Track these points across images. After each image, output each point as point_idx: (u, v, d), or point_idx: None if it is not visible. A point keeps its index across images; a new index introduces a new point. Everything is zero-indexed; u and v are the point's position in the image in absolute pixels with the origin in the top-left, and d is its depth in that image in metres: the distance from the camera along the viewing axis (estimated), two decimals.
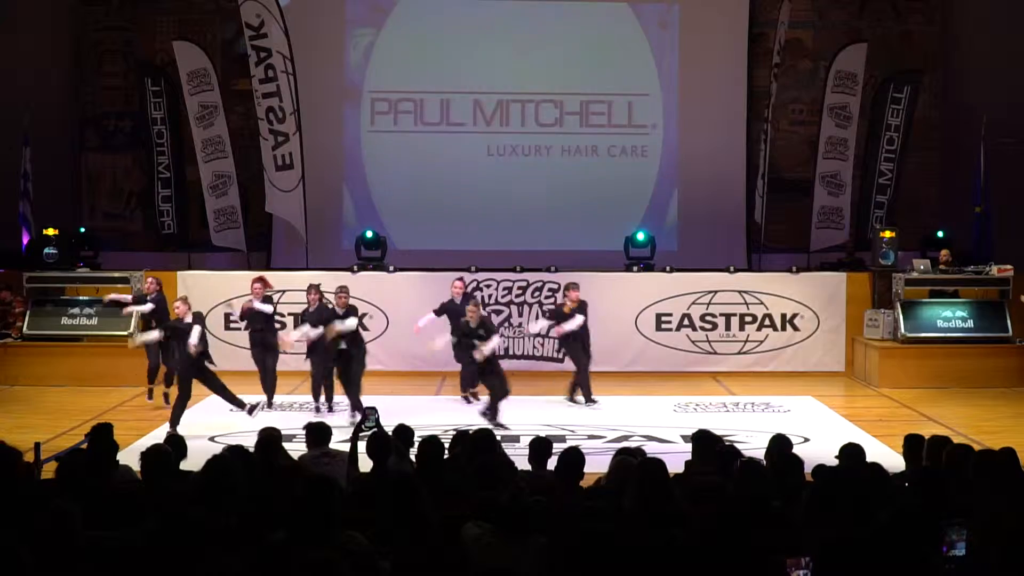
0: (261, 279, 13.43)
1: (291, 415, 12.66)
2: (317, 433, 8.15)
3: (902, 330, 15.05)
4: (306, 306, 13.17)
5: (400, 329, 14.80)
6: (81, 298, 15.43)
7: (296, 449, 8.88)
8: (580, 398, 13.41)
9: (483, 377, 12.32)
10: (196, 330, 11.78)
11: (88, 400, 13.51)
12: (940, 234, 16.76)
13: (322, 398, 12.97)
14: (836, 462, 7.17)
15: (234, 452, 7.07)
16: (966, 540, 4.84)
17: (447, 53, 18.28)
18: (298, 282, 15.82)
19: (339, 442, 8.58)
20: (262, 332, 13.26)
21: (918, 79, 18.08)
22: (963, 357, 14.84)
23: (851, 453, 7.05)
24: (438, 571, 4.32)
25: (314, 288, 13.04)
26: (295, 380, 14.32)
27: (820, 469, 6.96)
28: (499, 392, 12.12)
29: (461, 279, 14.00)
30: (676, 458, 8.11)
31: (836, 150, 17.65)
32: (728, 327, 15.89)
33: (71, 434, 11.15)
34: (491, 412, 12.08)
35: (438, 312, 13.57)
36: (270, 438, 7.84)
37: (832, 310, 15.94)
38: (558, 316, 13.39)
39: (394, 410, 12.63)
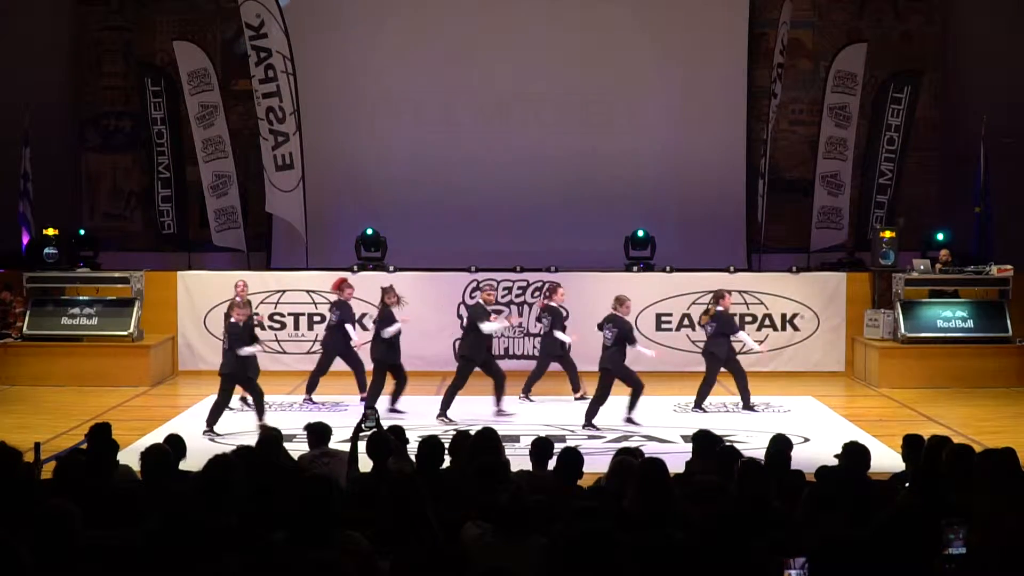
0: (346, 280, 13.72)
1: (290, 415, 12.65)
2: (318, 433, 8.17)
3: (902, 330, 15.05)
4: (387, 306, 12.96)
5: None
6: (81, 298, 15.43)
7: (296, 449, 8.90)
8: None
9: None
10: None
11: (88, 400, 13.51)
12: (940, 234, 16.77)
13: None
14: (836, 462, 7.17)
15: (237, 452, 7.08)
16: (964, 540, 4.84)
17: (447, 53, 18.26)
18: (298, 282, 15.86)
19: (339, 442, 8.59)
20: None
21: (918, 79, 18.07)
22: (963, 357, 14.84)
23: (853, 452, 7.03)
24: (438, 571, 4.32)
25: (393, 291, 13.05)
26: (295, 380, 14.34)
27: (823, 471, 6.96)
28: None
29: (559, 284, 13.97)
30: (676, 458, 8.12)
31: (836, 150, 17.64)
32: None
33: (71, 434, 11.16)
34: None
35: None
36: (271, 438, 7.86)
37: (832, 310, 15.94)
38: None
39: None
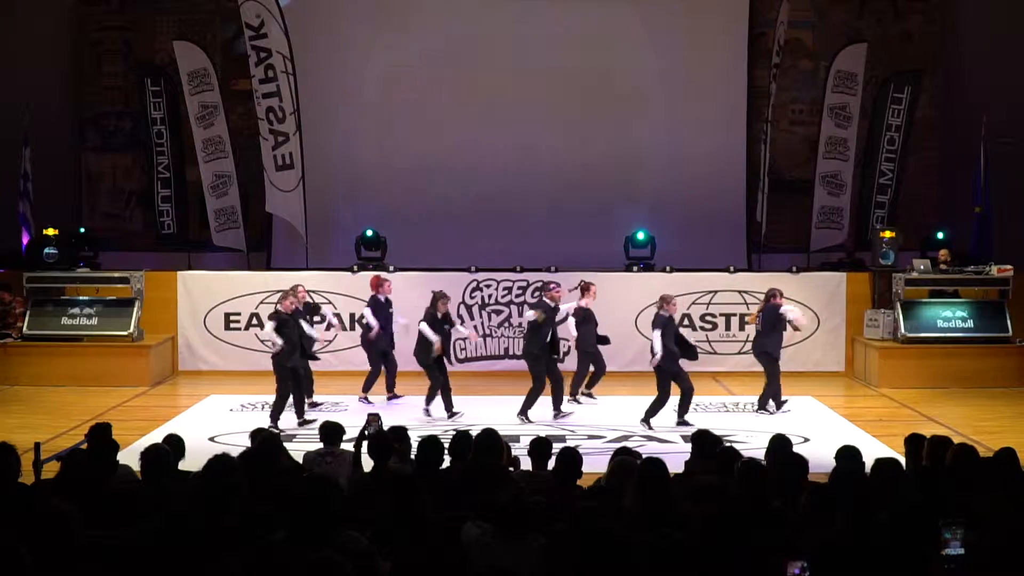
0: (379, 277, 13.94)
1: (290, 415, 12.63)
2: (330, 432, 8.20)
3: (902, 330, 15.05)
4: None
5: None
6: (81, 298, 15.43)
7: (295, 449, 8.91)
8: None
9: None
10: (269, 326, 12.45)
11: (88, 400, 13.51)
12: (940, 234, 16.76)
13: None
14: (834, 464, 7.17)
15: (240, 452, 7.10)
16: (962, 540, 4.85)
17: (447, 53, 18.25)
18: (298, 282, 15.81)
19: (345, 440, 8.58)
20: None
21: (918, 79, 18.07)
22: (963, 357, 14.85)
23: (848, 455, 7.03)
24: (438, 571, 4.32)
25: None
26: None
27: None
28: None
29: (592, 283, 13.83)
30: (676, 458, 8.12)
31: (836, 150, 17.64)
32: (728, 327, 15.90)
33: (71, 434, 11.16)
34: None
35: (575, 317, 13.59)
36: (272, 438, 7.87)
37: (832, 310, 15.94)
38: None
39: (396, 410, 12.71)
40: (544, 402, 12.90)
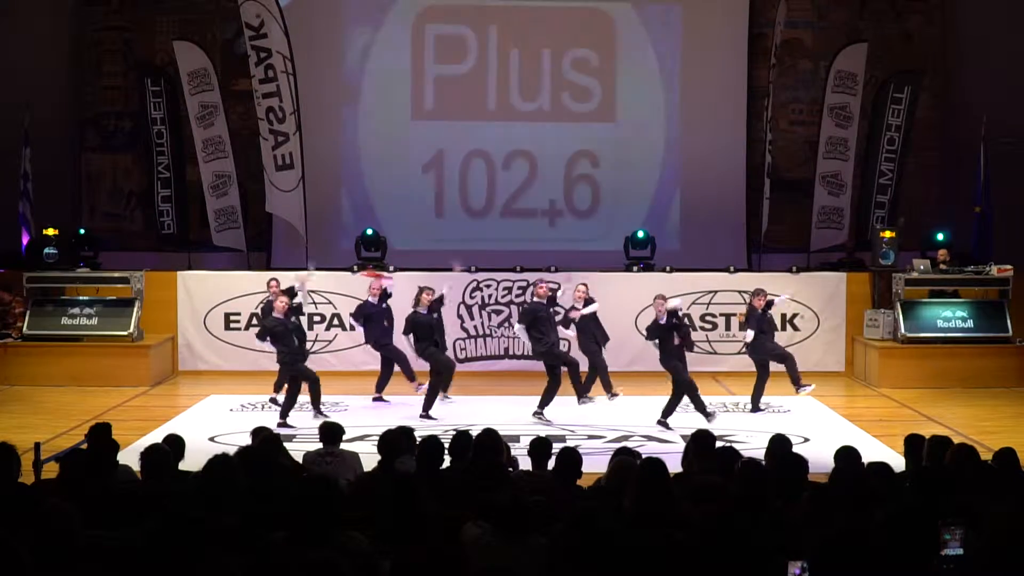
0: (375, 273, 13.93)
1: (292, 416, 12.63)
2: (330, 432, 8.21)
3: (902, 330, 15.06)
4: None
5: (400, 329, 14.75)
6: (81, 298, 15.44)
7: (295, 449, 8.90)
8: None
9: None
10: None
11: (88, 400, 13.51)
12: (940, 235, 16.77)
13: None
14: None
15: (238, 452, 7.10)
16: (961, 540, 4.84)
17: (447, 52, 18.24)
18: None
19: (348, 440, 8.57)
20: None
21: (918, 79, 18.06)
22: (963, 357, 14.86)
23: (847, 455, 7.04)
24: (438, 571, 4.32)
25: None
26: None
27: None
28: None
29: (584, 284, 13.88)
30: (676, 458, 8.11)
31: (836, 150, 17.64)
32: (728, 327, 15.90)
33: (71, 434, 11.17)
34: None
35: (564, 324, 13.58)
36: (272, 437, 7.87)
37: (832, 310, 15.95)
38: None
39: (397, 410, 12.71)
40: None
